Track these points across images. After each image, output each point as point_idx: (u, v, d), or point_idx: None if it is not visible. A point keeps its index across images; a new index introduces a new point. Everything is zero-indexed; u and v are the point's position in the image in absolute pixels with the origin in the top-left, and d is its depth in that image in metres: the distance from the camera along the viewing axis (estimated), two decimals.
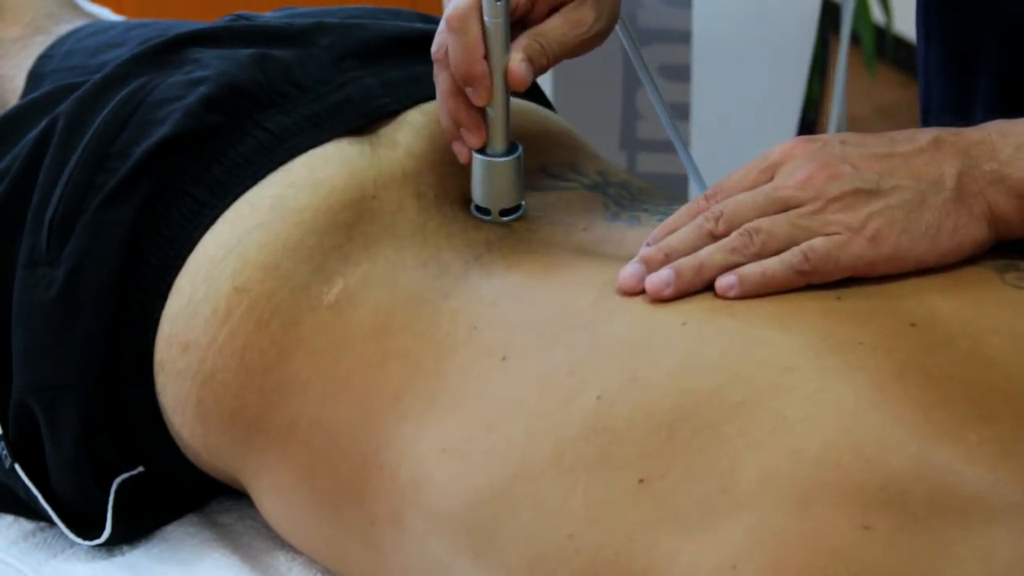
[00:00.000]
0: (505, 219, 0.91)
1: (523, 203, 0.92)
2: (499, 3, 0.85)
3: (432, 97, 0.98)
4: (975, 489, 0.63)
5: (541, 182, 0.96)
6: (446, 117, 0.90)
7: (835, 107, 2.10)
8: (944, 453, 0.64)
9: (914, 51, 1.11)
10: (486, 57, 0.86)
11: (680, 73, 1.92)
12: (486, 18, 0.86)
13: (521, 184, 0.91)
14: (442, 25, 0.87)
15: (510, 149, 0.90)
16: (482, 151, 0.90)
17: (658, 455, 0.69)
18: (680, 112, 1.91)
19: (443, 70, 0.88)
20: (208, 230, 0.92)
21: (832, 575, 0.61)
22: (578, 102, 1.89)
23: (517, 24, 0.88)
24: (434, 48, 0.88)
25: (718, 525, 0.65)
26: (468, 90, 0.87)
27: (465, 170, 0.93)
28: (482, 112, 0.89)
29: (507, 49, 0.87)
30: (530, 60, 0.87)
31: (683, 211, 0.81)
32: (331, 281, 0.89)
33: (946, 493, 0.63)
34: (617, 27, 0.96)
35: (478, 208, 0.91)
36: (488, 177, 0.90)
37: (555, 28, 0.88)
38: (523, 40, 0.87)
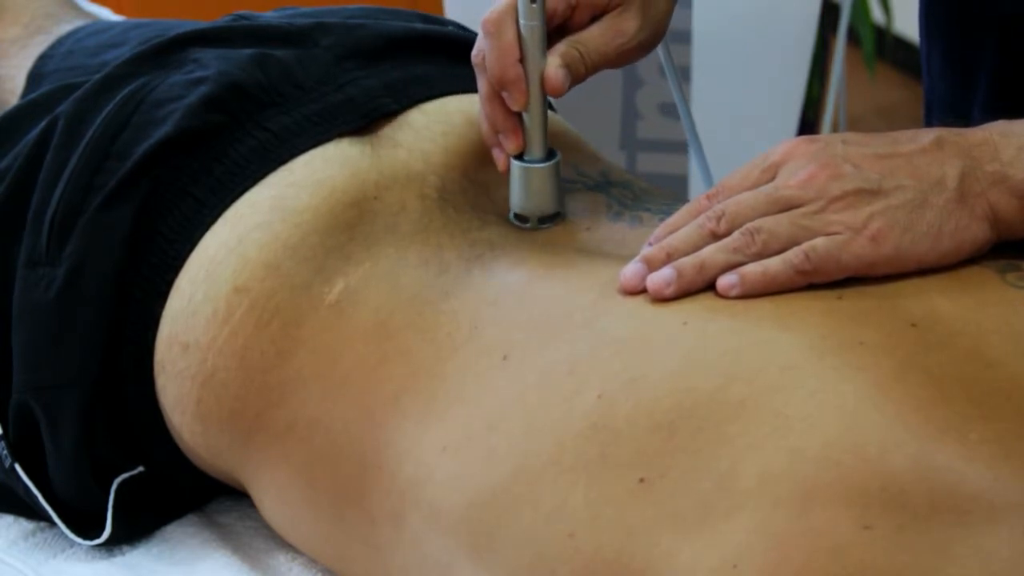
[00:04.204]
0: (544, 226, 0.90)
1: (562, 211, 0.91)
2: (534, 5, 0.84)
3: (432, 97, 0.99)
4: (976, 488, 0.63)
5: None
6: (485, 122, 0.89)
7: (830, 106, 2.11)
8: (945, 452, 0.64)
9: (914, 51, 1.11)
10: (522, 61, 0.85)
11: (680, 73, 1.92)
12: (521, 21, 0.85)
13: (560, 191, 0.90)
14: (480, 30, 0.87)
15: (548, 155, 0.89)
16: (520, 157, 0.89)
17: (659, 454, 0.69)
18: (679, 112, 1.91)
19: (481, 74, 0.88)
20: (208, 230, 0.92)
21: (832, 574, 0.61)
22: (578, 102, 1.89)
23: (556, 32, 0.87)
24: (474, 52, 0.88)
25: (718, 524, 0.65)
26: (504, 94, 0.87)
27: (467, 169, 0.93)
28: (520, 118, 0.88)
29: (544, 54, 0.86)
30: (567, 67, 0.86)
31: (685, 211, 0.81)
32: (332, 281, 0.89)
33: (947, 492, 0.63)
34: None
35: (517, 216, 0.90)
36: (526, 183, 0.89)
37: (595, 37, 0.87)
38: (561, 47, 0.86)
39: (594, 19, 0.88)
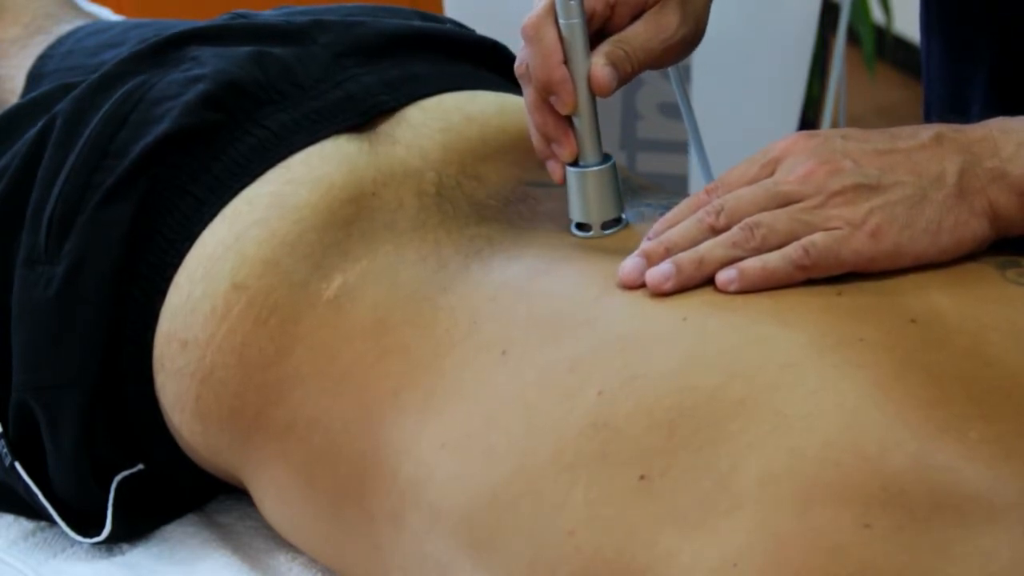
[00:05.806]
0: (607, 232, 0.87)
1: (624, 216, 0.88)
2: (572, 2, 0.82)
3: (430, 94, 0.98)
4: (976, 488, 0.63)
5: (542, 179, 0.96)
6: (535, 132, 0.87)
7: (830, 106, 2.11)
8: (945, 452, 0.64)
9: (914, 51, 1.11)
10: (566, 63, 0.84)
11: (680, 73, 1.92)
12: (561, 21, 0.83)
13: (619, 194, 0.87)
14: (521, 38, 0.85)
15: (604, 159, 0.87)
16: (575, 164, 0.87)
17: (659, 452, 0.69)
18: (679, 112, 1.91)
19: (527, 84, 0.86)
20: (207, 227, 0.92)
21: (832, 574, 0.61)
22: None
23: (598, 34, 0.86)
24: (516, 63, 0.86)
25: (718, 523, 0.65)
26: (552, 99, 0.85)
27: (464, 166, 0.92)
28: (570, 123, 0.86)
29: (588, 53, 0.84)
30: (614, 65, 0.84)
31: (684, 205, 0.81)
32: (330, 277, 0.89)
33: (947, 492, 0.63)
34: None
35: (578, 226, 0.88)
36: (583, 190, 0.87)
37: (639, 34, 0.86)
38: (605, 46, 0.85)
39: (634, 18, 0.87)
